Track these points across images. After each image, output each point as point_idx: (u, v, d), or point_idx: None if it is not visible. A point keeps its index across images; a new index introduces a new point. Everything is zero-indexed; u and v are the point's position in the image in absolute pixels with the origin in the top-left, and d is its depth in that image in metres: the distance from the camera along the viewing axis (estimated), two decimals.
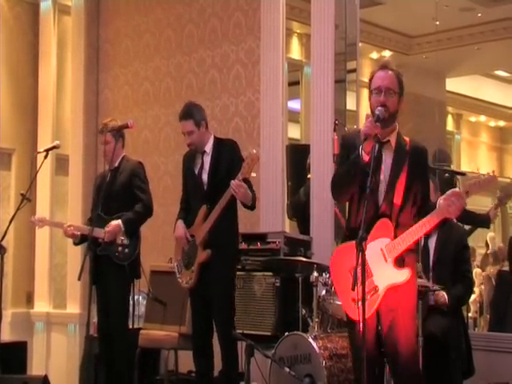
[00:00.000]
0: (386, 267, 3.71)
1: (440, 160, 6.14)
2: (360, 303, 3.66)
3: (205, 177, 5.06)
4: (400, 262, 3.71)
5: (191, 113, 5.10)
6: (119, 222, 5.49)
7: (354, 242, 3.61)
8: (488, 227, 6.17)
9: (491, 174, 3.54)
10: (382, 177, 3.82)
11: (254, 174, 4.84)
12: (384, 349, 3.83)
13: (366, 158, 3.70)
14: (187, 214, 5.17)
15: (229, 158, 5.01)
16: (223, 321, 4.94)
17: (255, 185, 6.12)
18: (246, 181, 4.86)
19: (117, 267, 5.47)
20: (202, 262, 4.96)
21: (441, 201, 3.61)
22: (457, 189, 3.59)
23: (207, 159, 5.09)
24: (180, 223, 5.14)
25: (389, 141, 3.85)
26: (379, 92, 3.80)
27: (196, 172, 5.11)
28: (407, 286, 3.73)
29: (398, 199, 3.76)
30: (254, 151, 4.80)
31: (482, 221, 5.88)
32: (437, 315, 4.85)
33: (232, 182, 4.76)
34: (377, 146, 3.75)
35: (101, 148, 5.89)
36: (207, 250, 4.95)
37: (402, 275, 3.69)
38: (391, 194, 3.79)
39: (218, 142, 5.16)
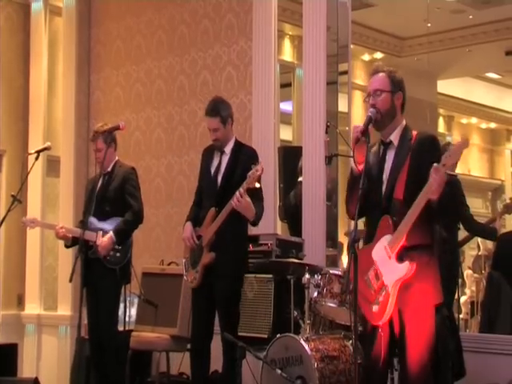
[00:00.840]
0: (390, 263, 3.70)
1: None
2: (374, 307, 3.70)
3: (219, 177, 5.03)
4: (402, 256, 3.68)
5: (218, 109, 5.03)
6: (111, 234, 5.49)
7: (369, 246, 3.77)
8: (494, 240, 6.12)
9: (462, 138, 3.50)
10: (384, 176, 3.85)
11: (258, 185, 4.81)
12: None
13: (360, 167, 3.78)
14: (199, 208, 5.13)
15: (246, 165, 4.87)
16: (227, 324, 4.91)
17: None
18: (255, 191, 4.82)
19: (108, 271, 5.47)
20: (206, 264, 4.95)
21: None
22: (435, 164, 3.54)
23: (225, 160, 5.05)
24: (188, 225, 5.09)
25: (391, 141, 3.88)
26: (369, 96, 3.90)
27: (212, 171, 5.08)
28: (420, 286, 3.68)
29: (399, 193, 3.74)
30: (261, 163, 4.76)
31: (488, 233, 5.88)
32: None
33: (236, 192, 4.73)
34: (382, 149, 3.88)
35: (92, 149, 5.88)
36: (211, 252, 4.94)
37: (403, 269, 3.65)
38: (391, 189, 3.79)
39: (239, 145, 5.12)
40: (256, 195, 4.89)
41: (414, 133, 3.87)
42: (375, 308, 3.73)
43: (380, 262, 3.74)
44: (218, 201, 4.96)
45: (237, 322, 5.03)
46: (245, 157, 5.02)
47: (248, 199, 4.75)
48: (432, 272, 3.76)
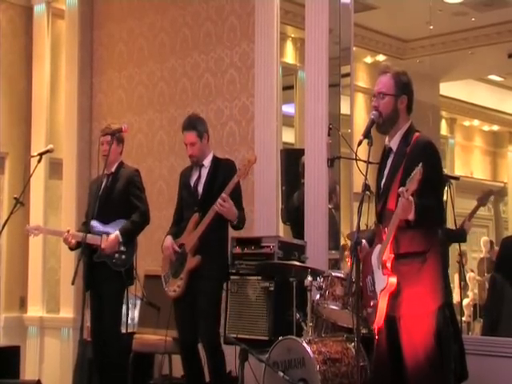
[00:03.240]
0: (378, 273, 3.75)
1: None
2: (369, 309, 3.73)
3: (200, 188, 5.14)
4: (385, 268, 3.70)
5: (195, 124, 5.17)
6: (117, 233, 5.48)
7: (374, 247, 3.79)
8: (464, 241, 6.04)
9: (419, 166, 3.48)
10: (382, 183, 3.86)
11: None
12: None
13: None
14: (178, 226, 5.22)
15: (225, 176, 5.04)
16: (208, 329, 4.95)
17: (249, 188, 6.15)
18: (236, 197, 4.94)
19: (113, 273, 5.46)
20: (191, 269, 4.97)
21: None
22: (400, 188, 3.55)
23: (204, 172, 5.16)
24: (168, 237, 5.21)
25: (391, 148, 3.88)
26: (374, 97, 3.89)
27: (192, 183, 5.17)
28: (411, 293, 3.68)
29: (391, 203, 3.72)
30: (252, 155, 4.90)
31: (457, 235, 5.76)
32: None
33: (221, 196, 4.82)
34: (385, 155, 3.89)
35: (94, 152, 5.88)
36: (196, 256, 4.97)
37: (384, 281, 3.69)
38: (385, 198, 3.79)
39: (217, 160, 5.25)
40: (237, 200, 5.02)
41: (416, 135, 3.83)
42: (370, 310, 3.79)
43: (374, 268, 3.79)
44: (199, 208, 5.06)
45: (217, 322, 5.07)
46: (224, 168, 5.15)
47: (231, 202, 4.87)
48: (427, 277, 3.71)
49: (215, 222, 4.93)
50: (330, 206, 6.02)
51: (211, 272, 4.96)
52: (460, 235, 5.71)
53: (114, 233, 5.49)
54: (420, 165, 3.42)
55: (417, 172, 3.42)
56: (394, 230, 3.62)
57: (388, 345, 3.77)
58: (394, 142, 3.86)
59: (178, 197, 5.35)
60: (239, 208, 5.06)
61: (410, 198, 3.49)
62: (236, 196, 5.02)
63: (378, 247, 3.77)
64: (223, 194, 4.85)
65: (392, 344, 3.75)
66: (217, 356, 4.94)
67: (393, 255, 3.68)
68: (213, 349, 4.92)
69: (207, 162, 5.18)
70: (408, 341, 3.68)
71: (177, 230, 5.22)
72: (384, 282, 3.68)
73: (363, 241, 3.88)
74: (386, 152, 3.91)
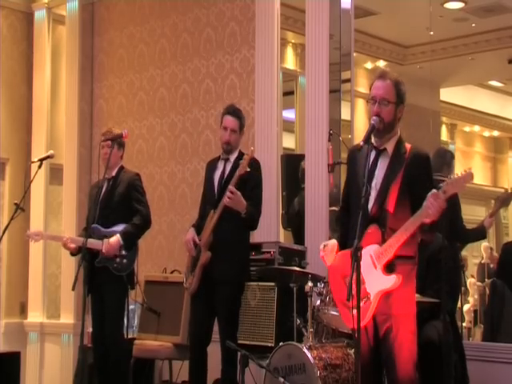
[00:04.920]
0: (375, 274, 3.70)
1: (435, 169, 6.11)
2: (354, 311, 3.69)
3: (221, 183, 5.10)
4: (389, 268, 3.69)
5: (240, 115, 5.22)
6: (118, 237, 5.47)
7: (348, 249, 3.70)
8: (485, 237, 6.13)
9: (467, 170, 3.51)
10: (373, 183, 3.81)
11: (248, 169, 4.90)
12: (382, 359, 3.81)
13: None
14: (201, 220, 5.20)
15: (249, 174, 4.98)
16: (227, 328, 4.92)
17: None
18: (252, 195, 4.94)
19: (114, 278, 5.45)
20: (203, 264, 4.96)
21: (424, 203, 3.61)
22: (435, 190, 3.55)
23: (228, 167, 5.14)
24: (191, 230, 5.18)
25: (385, 149, 3.85)
26: (374, 102, 3.82)
27: (215, 178, 5.16)
28: (402, 293, 3.69)
29: (390, 206, 3.72)
30: (252, 148, 4.94)
31: (477, 234, 5.84)
32: (431, 320, 4.80)
33: (228, 188, 4.83)
34: (373, 154, 3.82)
35: (95, 157, 5.87)
36: (208, 252, 4.97)
37: (390, 281, 3.66)
38: (382, 199, 3.77)
39: (243, 155, 5.15)
40: (254, 200, 4.99)
41: (408, 146, 3.84)
42: (355, 312, 3.72)
43: (364, 268, 3.63)
44: (216, 205, 5.02)
45: (236, 328, 5.03)
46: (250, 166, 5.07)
47: (238, 193, 4.85)
48: (413, 281, 3.78)
49: (235, 225, 4.92)
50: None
51: (226, 276, 4.93)
52: (480, 232, 5.81)
53: (115, 236, 5.48)
54: (469, 168, 3.46)
55: (465, 177, 3.47)
56: (412, 231, 3.61)
57: (372, 344, 3.76)
58: (389, 145, 3.84)
59: (204, 189, 5.33)
60: (255, 204, 5.02)
61: None
62: (253, 194, 5.01)
63: (371, 247, 3.72)
64: (230, 186, 4.83)
65: (375, 344, 3.75)
66: (232, 357, 4.89)
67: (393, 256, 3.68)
68: (225, 353, 4.87)
69: (233, 157, 5.16)
70: (400, 342, 3.68)
71: (200, 224, 5.18)
72: (388, 282, 3.65)
73: (333, 241, 3.93)
74: (376, 152, 3.85)
